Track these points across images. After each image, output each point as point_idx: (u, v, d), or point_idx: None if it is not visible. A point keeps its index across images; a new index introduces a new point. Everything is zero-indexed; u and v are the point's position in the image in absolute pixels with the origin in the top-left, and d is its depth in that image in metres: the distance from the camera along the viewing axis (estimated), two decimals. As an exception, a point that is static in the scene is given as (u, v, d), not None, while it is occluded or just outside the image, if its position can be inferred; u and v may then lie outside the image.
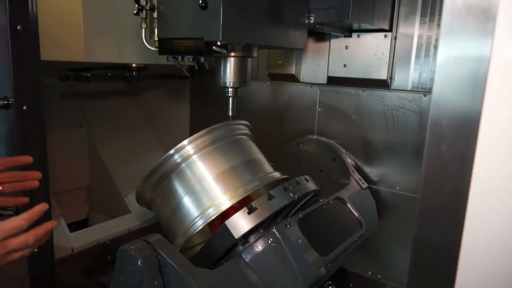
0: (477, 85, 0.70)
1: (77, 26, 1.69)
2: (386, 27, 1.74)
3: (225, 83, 1.46)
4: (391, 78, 1.81)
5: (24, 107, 1.21)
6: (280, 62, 2.11)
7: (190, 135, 1.38)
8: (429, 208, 0.79)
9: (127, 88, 2.49)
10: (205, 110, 2.49)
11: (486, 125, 0.71)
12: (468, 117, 0.71)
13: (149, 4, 1.37)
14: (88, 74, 1.86)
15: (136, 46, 1.80)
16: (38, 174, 1.00)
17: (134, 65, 2.02)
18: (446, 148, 0.75)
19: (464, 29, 0.71)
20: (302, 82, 2.08)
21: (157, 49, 1.39)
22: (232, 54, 1.45)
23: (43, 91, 1.29)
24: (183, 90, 2.56)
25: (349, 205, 1.70)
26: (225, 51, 1.31)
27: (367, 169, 1.95)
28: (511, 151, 0.72)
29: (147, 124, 2.62)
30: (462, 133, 0.73)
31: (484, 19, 0.69)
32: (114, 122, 2.46)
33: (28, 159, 1.01)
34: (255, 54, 1.52)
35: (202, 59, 1.29)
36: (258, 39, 1.36)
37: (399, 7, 1.75)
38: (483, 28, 0.69)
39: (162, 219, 1.48)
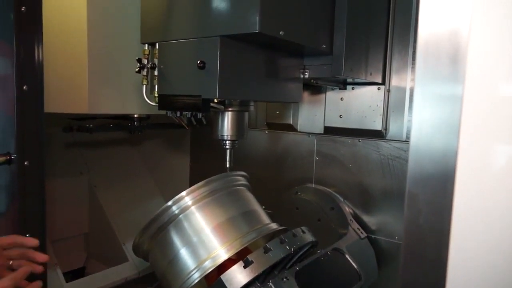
0: (452, 128, 0.74)
1: (82, 79, 1.76)
2: (379, 80, 1.80)
3: (222, 136, 1.50)
4: (385, 129, 1.86)
5: (26, 163, 1.24)
6: (278, 112, 2.17)
7: (190, 183, 1.40)
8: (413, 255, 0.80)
9: (128, 136, 2.55)
10: (205, 159, 2.53)
11: (461, 177, 0.74)
12: (444, 164, 0.74)
13: (150, 63, 1.44)
14: (91, 126, 1.91)
15: (138, 97, 1.86)
16: (45, 258, 1.04)
17: (136, 115, 2.08)
18: (424, 198, 0.77)
19: (436, 74, 0.75)
20: (300, 132, 2.12)
21: (157, 105, 1.45)
22: (229, 108, 1.50)
23: (45, 144, 1.33)
24: (183, 138, 2.61)
25: (347, 256, 1.69)
26: (222, 107, 1.36)
27: (366, 218, 1.95)
28: (487, 193, 0.75)
29: (148, 172, 2.65)
30: (439, 181, 0.75)
31: (455, 64, 0.73)
32: (115, 170, 2.50)
33: (35, 242, 1.05)
34: (252, 108, 1.57)
35: (200, 115, 1.34)
36: (254, 95, 1.42)
37: (391, 62, 1.83)
38: (454, 72, 0.73)
39: (159, 270, 1.47)
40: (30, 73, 1.25)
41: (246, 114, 1.58)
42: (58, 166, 2.20)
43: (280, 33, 1.26)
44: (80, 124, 1.97)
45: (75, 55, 1.77)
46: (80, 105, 1.78)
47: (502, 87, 0.75)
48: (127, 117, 2.10)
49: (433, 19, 0.75)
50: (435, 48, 0.75)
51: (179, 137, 2.62)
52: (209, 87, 1.27)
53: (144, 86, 1.48)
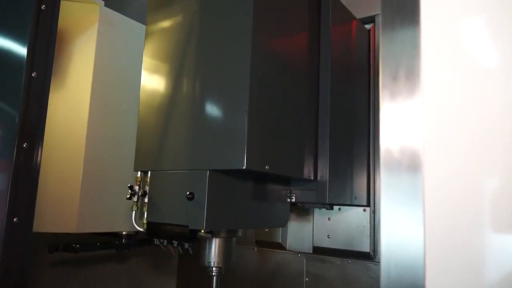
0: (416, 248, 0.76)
1: (73, 200, 1.79)
2: (364, 203, 1.85)
3: (209, 263, 1.49)
4: (374, 250, 1.86)
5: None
6: (267, 230, 2.18)
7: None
8: None
9: (115, 253, 2.50)
10: (192, 279, 2.46)
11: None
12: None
13: (141, 190, 1.49)
14: (77, 245, 1.89)
15: (128, 216, 1.87)
16: None
17: (124, 232, 2.07)
18: None
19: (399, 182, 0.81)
20: (289, 250, 2.10)
21: (145, 231, 1.46)
22: (217, 235, 1.51)
23: (29, 264, 1.30)
24: (171, 257, 2.57)
25: None
26: (209, 235, 1.38)
27: None
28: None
29: (133, 290, 2.54)
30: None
31: (414, 171, 0.80)
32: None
33: None
34: (239, 233, 1.59)
35: (186, 245, 1.35)
36: (242, 224, 1.45)
37: (374, 184, 1.90)
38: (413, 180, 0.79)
39: None
40: (21, 205, 1.28)
41: (233, 238, 1.58)
42: (42, 284, 2.11)
43: (266, 167, 1.34)
44: (66, 241, 1.95)
45: (68, 176, 1.83)
46: (68, 224, 1.79)
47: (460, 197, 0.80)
48: (115, 234, 2.08)
49: (392, 138, 0.85)
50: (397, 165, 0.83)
51: (166, 255, 2.57)
52: (196, 218, 1.30)
53: (134, 212, 1.51)
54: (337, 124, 1.67)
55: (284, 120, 1.47)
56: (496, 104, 0.82)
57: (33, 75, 1.32)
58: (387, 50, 0.96)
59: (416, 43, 0.92)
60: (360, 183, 1.84)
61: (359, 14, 1.99)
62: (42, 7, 1.35)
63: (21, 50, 1.36)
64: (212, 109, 1.39)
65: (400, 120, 0.87)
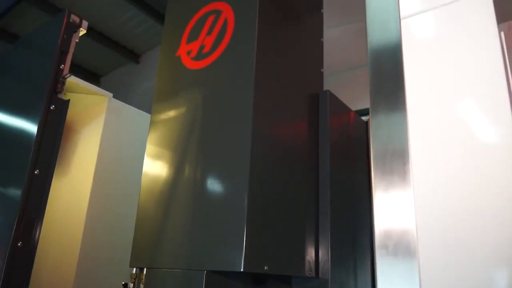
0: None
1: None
2: (369, 299, 1.77)
3: None
4: None
5: None
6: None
7: None
8: None
9: None
10: None
11: None
12: None
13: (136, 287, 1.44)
14: None
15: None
16: None
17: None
18: None
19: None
20: None
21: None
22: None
23: None
24: None
25: None
26: None
27: None
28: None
29: None
30: None
31: (409, 258, 0.80)
32: None
33: None
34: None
35: None
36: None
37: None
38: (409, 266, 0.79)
39: None
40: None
41: None
42: None
43: (265, 268, 1.30)
44: None
45: (64, 264, 1.79)
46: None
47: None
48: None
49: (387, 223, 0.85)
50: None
51: None
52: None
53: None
54: (337, 212, 1.65)
55: (283, 215, 1.46)
56: (484, 185, 0.84)
57: (35, 172, 1.35)
58: (376, 136, 1.01)
59: (403, 128, 0.97)
60: (364, 275, 1.77)
61: (356, 106, 2.06)
62: (52, 107, 1.41)
63: (27, 147, 1.40)
64: (211, 206, 1.38)
65: (393, 207, 0.89)
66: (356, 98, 2.13)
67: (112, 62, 5.11)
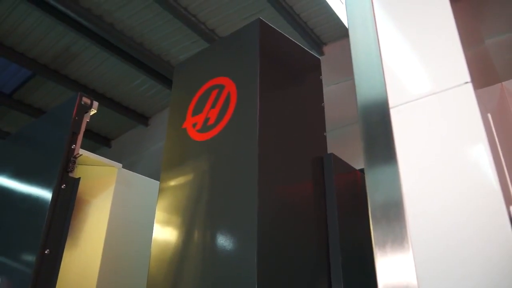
0: None
1: None
2: None
3: None
4: None
5: None
6: None
7: None
8: None
9: None
10: None
11: None
12: None
13: None
14: None
15: None
16: None
17: None
18: None
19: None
20: None
21: None
22: None
23: None
24: None
25: None
26: None
27: None
28: None
29: None
30: None
31: None
32: None
33: None
34: None
35: None
36: None
37: None
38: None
39: None
40: None
41: None
42: None
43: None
44: None
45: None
46: None
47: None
48: None
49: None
50: None
51: None
52: None
53: None
54: (349, 270, 1.62)
55: (294, 274, 1.44)
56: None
57: (46, 252, 1.37)
58: (372, 191, 1.02)
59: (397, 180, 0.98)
60: None
61: (360, 165, 2.08)
62: (63, 186, 1.46)
63: (37, 227, 1.43)
64: (221, 270, 1.38)
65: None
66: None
67: (122, 126, 5.28)
